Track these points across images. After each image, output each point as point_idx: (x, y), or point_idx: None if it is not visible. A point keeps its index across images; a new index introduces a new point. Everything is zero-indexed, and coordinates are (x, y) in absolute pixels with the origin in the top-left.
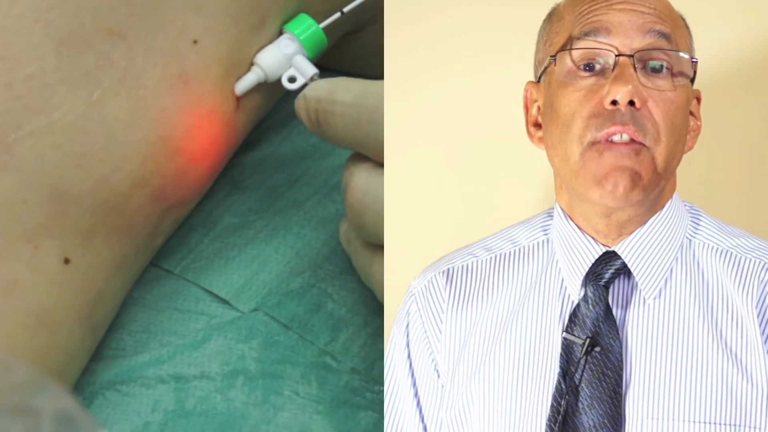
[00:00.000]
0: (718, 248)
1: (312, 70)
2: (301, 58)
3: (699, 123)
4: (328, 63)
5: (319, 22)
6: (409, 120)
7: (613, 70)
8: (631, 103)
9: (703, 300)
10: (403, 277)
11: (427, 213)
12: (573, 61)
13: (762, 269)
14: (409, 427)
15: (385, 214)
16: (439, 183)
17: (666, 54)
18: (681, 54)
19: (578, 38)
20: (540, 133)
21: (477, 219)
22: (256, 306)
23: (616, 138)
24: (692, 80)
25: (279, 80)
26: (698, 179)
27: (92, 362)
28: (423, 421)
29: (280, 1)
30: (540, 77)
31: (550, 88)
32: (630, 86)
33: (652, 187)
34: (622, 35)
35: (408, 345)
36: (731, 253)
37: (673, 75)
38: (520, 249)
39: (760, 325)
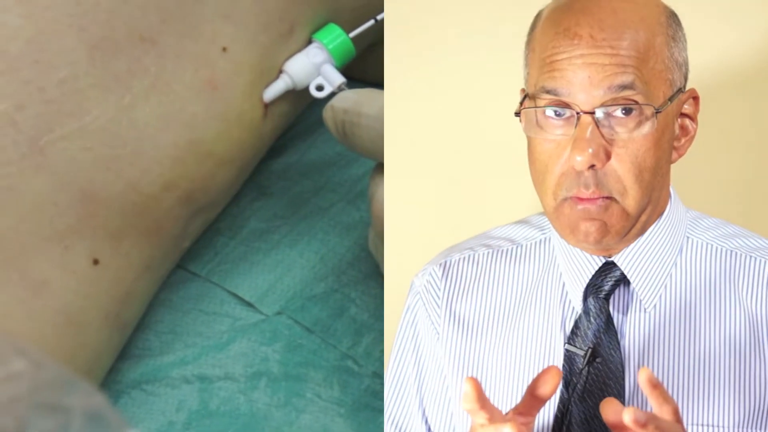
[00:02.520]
0: (720, 248)
1: (339, 79)
2: (329, 67)
3: (694, 125)
4: (355, 73)
5: (347, 32)
6: (409, 121)
7: (576, 125)
8: (593, 166)
9: (703, 304)
10: (403, 277)
11: (427, 214)
12: (536, 118)
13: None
14: (415, 425)
15: (385, 214)
16: (439, 185)
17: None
18: (644, 105)
19: (539, 95)
20: None
21: (477, 220)
22: (280, 309)
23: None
24: (683, 88)
25: (306, 88)
26: (697, 180)
27: (119, 361)
28: (427, 423)
29: (309, 10)
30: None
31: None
32: (588, 151)
33: (625, 231)
34: (583, 93)
35: (416, 337)
36: (736, 253)
37: (642, 118)
38: (518, 247)
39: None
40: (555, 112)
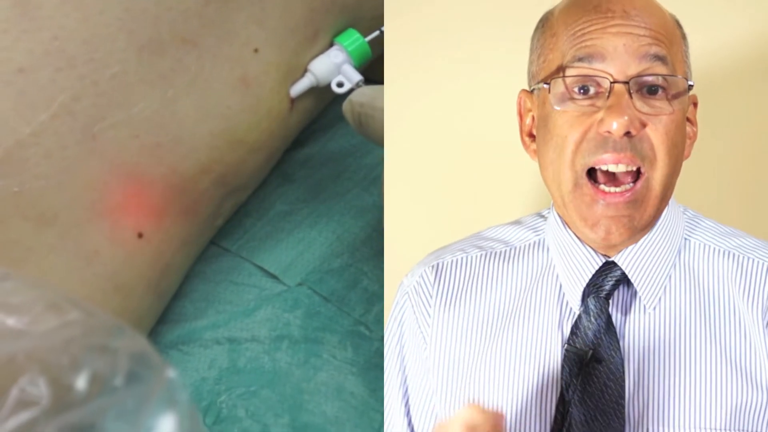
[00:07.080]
0: (718, 249)
1: (357, 77)
2: (349, 66)
3: (695, 129)
4: (372, 73)
5: (365, 36)
6: (409, 120)
7: (608, 96)
8: (628, 133)
9: (703, 306)
10: (403, 276)
11: (427, 212)
12: (566, 87)
13: (766, 271)
14: (396, 428)
15: (385, 213)
16: (439, 182)
17: (663, 78)
18: (677, 78)
19: (571, 64)
20: (535, 146)
21: (477, 219)
22: (301, 281)
23: (611, 168)
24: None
25: (328, 85)
26: (695, 181)
27: (158, 325)
28: (410, 424)
29: (332, 17)
30: (533, 89)
31: (544, 108)
32: (625, 117)
33: (649, 222)
34: (618, 61)
35: (400, 340)
36: (733, 254)
37: (669, 97)
38: (511, 249)
39: (766, 327)
40: (581, 89)
